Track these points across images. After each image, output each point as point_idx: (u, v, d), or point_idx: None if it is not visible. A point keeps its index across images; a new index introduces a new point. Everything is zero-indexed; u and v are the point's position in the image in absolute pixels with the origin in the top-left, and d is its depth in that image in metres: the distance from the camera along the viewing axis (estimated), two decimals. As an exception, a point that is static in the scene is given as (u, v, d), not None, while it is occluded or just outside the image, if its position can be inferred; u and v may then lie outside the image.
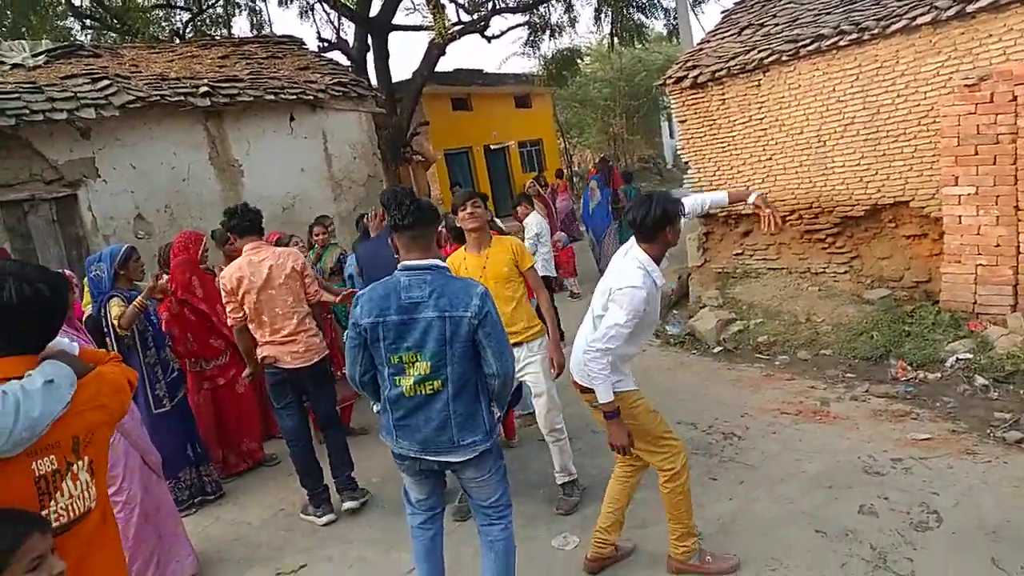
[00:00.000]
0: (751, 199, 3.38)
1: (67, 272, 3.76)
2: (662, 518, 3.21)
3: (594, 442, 4.55)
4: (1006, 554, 3.01)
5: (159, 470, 3.66)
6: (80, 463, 1.68)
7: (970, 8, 6.37)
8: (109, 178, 6.96)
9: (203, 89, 7.64)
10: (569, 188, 14.25)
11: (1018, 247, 5.68)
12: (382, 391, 2.70)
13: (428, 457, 2.67)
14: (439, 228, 3.49)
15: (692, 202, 3.32)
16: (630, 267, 2.95)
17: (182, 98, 7.43)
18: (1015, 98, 5.58)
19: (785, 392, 5.28)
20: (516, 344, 3.64)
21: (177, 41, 13.72)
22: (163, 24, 15.97)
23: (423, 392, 2.58)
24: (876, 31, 7.11)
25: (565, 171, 20.73)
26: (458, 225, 3.90)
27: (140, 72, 8.14)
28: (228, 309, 4.13)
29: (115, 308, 4.14)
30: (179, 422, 4.50)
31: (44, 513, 1.59)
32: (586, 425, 4.59)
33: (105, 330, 4.20)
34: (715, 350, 6.66)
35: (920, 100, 6.95)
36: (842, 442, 4.30)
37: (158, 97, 7.23)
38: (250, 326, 4.12)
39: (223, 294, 4.13)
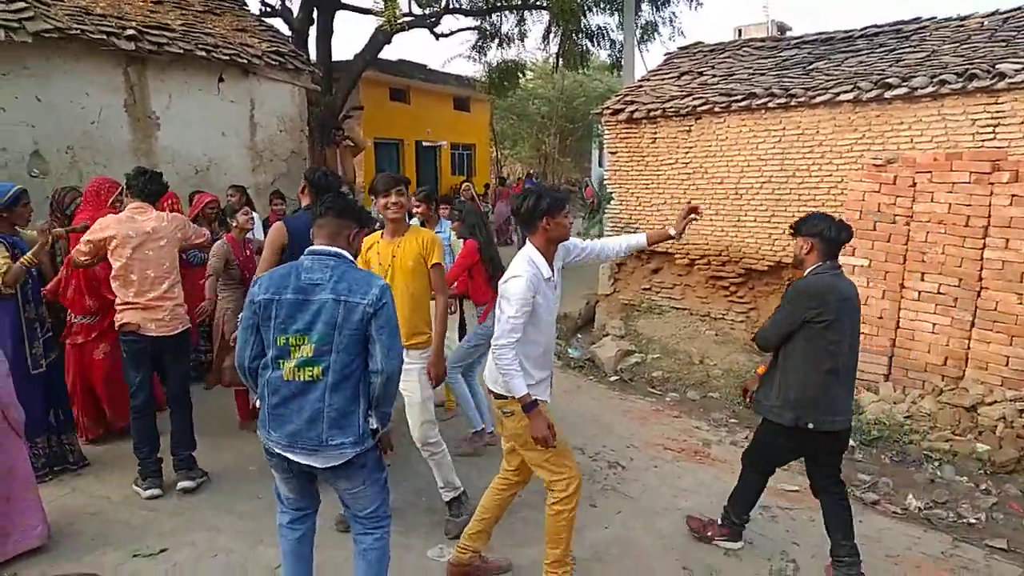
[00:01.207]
0: (672, 232, 3.38)
1: None
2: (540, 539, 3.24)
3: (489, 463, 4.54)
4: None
5: (20, 429, 3.40)
6: None
7: (888, 94, 6.86)
8: (8, 106, 6.44)
9: (129, 31, 7.21)
10: (509, 196, 14.51)
11: (898, 322, 6.11)
12: (262, 377, 2.61)
13: (295, 457, 2.59)
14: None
15: (614, 244, 3.42)
16: (517, 259, 3.03)
17: (105, 37, 6.98)
18: (914, 184, 6.02)
19: (671, 428, 5.47)
20: None
21: (108, -24, 12.91)
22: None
23: (301, 378, 2.52)
24: (803, 99, 7.54)
25: (495, 180, 20.83)
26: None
27: (62, 1, 7.61)
28: (78, 250, 4.01)
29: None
30: (48, 386, 4.21)
31: None
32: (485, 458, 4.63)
33: None
34: (611, 378, 6.82)
35: (832, 171, 7.42)
36: (718, 484, 4.47)
37: (79, 31, 6.76)
38: (114, 283, 4.06)
39: (84, 238, 4.01)
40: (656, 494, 4.31)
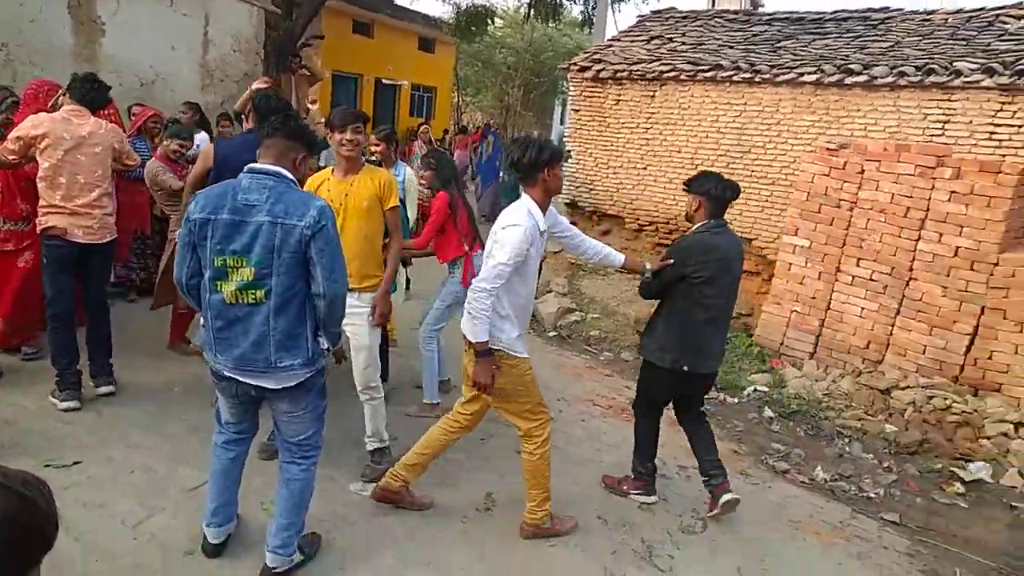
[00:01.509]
0: (648, 267, 3.65)
1: None
2: (464, 481, 3.31)
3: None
4: (749, 565, 3.39)
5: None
6: None
7: (849, 80, 6.97)
8: (-62, -9, 6.04)
9: (78, -76, 6.78)
10: (468, 145, 14.39)
11: (829, 303, 6.32)
12: (203, 297, 2.57)
13: (244, 379, 2.58)
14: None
15: (593, 247, 3.57)
16: (515, 208, 3.05)
17: (50, -73, 6.56)
18: (863, 171, 6.17)
19: (601, 386, 5.60)
20: (350, 291, 3.46)
21: None
22: None
23: (244, 301, 2.49)
24: (767, 76, 7.61)
25: (454, 127, 20.47)
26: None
27: None
28: (9, 146, 3.85)
29: None
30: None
31: None
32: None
33: None
34: (550, 333, 6.91)
35: (787, 150, 7.54)
36: (641, 442, 4.61)
37: (21, -83, 6.34)
38: (40, 184, 3.90)
39: (13, 134, 3.86)
40: (581, 446, 4.43)
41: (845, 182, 6.29)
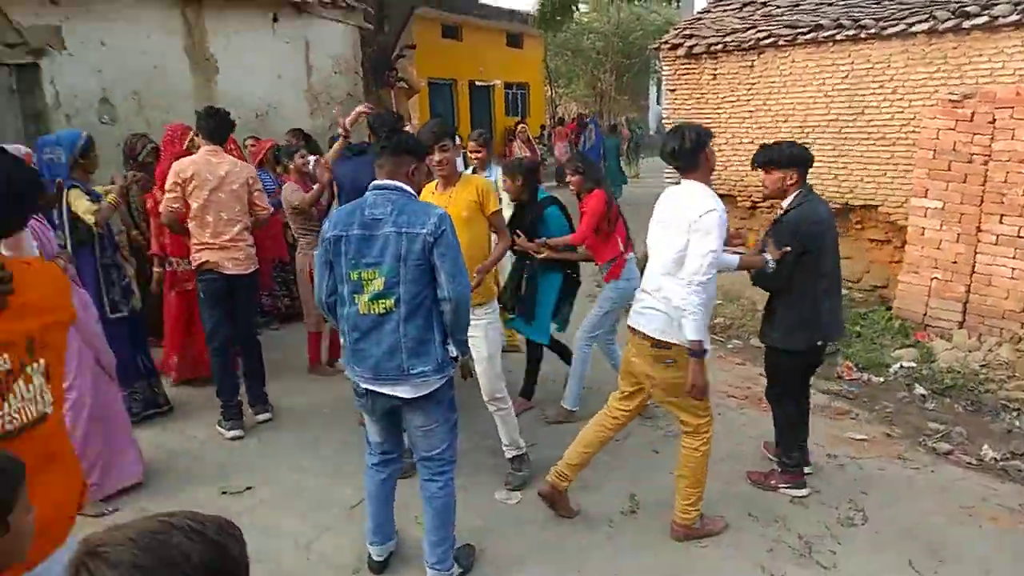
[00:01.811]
0: (768, 262, 3.44)
1: (24, 150, 3.54)
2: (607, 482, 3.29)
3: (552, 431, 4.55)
4: (922, 557, 3.18)
5: (113, 372, 3.58)
6: (35, 365, 1.59)
7: (966, 24, 6.43)
8: (76, 52, 6.56)
9: (187, -27, 7.22)
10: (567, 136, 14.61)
11: (973, 266, 5.86)
12: (340, 312, 2.72)
13: (380, 389, 2.68)
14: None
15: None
16: (696, 193, 2.95)
17: (164, -22, 7.01)
18: (994, 120, 5.69)
19: (734, 376, 5.42)
20: None
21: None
22: None
23: (376, 311, 2.61)
24: (873, 31, 7.12)
25: (550, 121, 20.42)
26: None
27: (121, -56, 7.62)
28: (168, 197, 4.14)
29: (81, 202, 3.92)
30: (131, 331, 4.38)
31: None
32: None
33: (57, 221, 3.99)
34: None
35: (905, 108, 7.05)
36: (783, 431, 4.44)
37: (137, -27, 6.80)
38: (191, 223, 4.19)
39: (170, 182, 4.13)
40: (720, 442, 4.25)
41: (975, 134, 5.81)
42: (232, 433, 4.25)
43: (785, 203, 3.46)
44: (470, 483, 3.56)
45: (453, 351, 2.75)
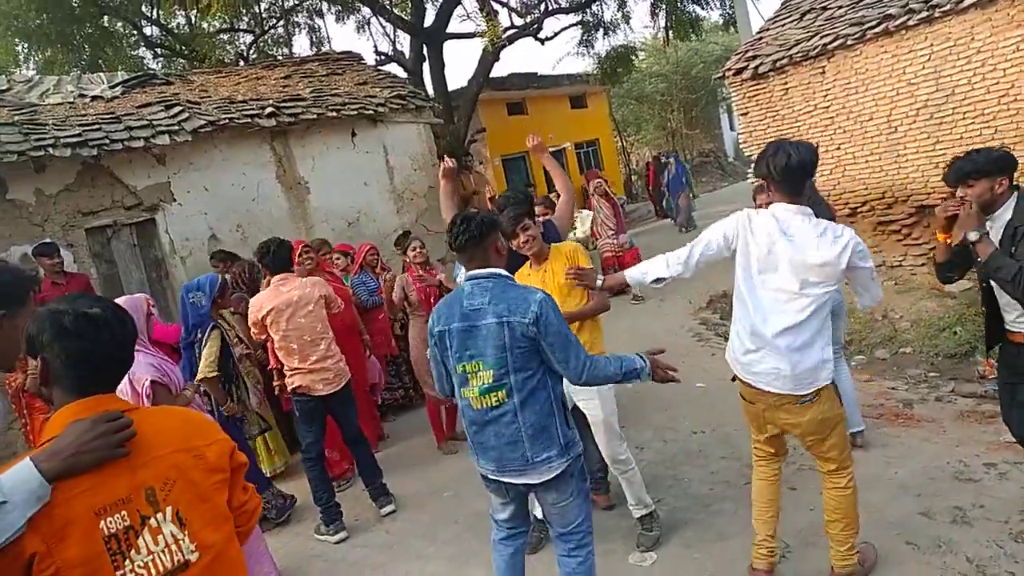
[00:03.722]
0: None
1: (139, 296, 3.90)
2: (739, 531, 3.13)
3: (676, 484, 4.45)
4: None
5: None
6: (161, 515, 1.54)
7: (1051, -22, 6.03)
8: (184, 201, 7.25)
9: (268, 110, 7.88)
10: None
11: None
12: (458, 405, 2.73)
13: (506, 480, 2.67)
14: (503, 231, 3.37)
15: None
16: (822, 226, 2.71)
17: (249, 120, 7.69)
18: (1105, 71, 5.24)
19: (864, 394, 5.07)
20: None
21: (242, 64, 14.21)
22: (228, 47, 16.58)
23: (489, 404, 2.58)
24: (947, 7, 6.81)
25: (625, 169, 20.40)
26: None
27: (209, 96, 8.46)
28: (254, 333, 4.45)
29: (211, 346, 4.34)
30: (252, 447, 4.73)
31: (119, 574, 1.47)
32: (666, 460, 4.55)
33: (198, 353, 4.41)
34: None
35: (999, 78, 6.63)
36: (928, 446, 4.11)
37: (227, 120, 7.50)
38: (280, 354, 4.38)
39: (251, 321, 4.40)
40: (860, 467, 3.96)
41: (1087, 89, 5.37)
42: (338, 536, 4.31)
43: (1000, 213, 2.90)
44: (600, 551, 3.45)
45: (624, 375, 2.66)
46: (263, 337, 4.43)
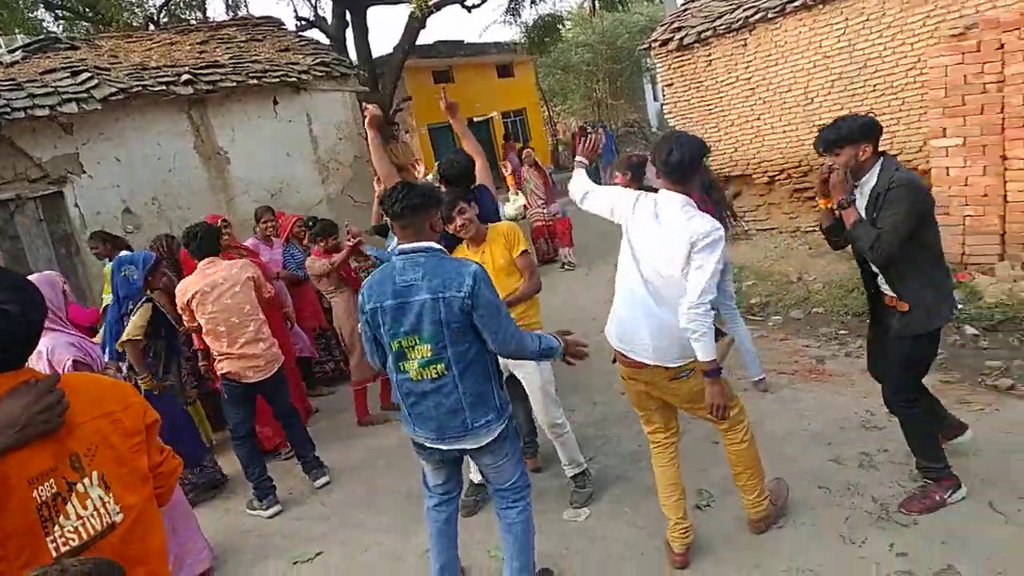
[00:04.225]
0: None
1: (52, 274, 3.75)
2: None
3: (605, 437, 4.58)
4: (1002, 498, 3.11)
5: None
6: (88, 480, 1.57)
7: (954, -44, 6.35)
8: (94, 173, 6.90)
9: (185, 77, 7.54)
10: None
11: (1005, 196, 5.74)
12: (392, 377, 2.74)
13: (445, 446, 2.72)
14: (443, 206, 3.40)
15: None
16: (695, 213, 2.77)
17: (164, 87, 7.34)
18: (1002, 46, 5.59)
19: (780, 352, 5.36)
20: None
21: (152, 28, 13.49)
22: (136, 10, 15.68)
23: (428, 376, 2.61)
24: (860, -17, 7.08)
25: (551, 139, 20.45)
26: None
27: (119, 63, 8.02)
28: (186, 318, 4.33)
29: (140, 316, 4.24)
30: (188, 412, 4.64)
31: (49, 539, 1.50)
32: (596, 421, 4.69)
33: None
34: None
35: (907, 52, 6.97)
36: (838, 399, 4.38)
37: (140, 88, 7.14)
38: (207, 339, 4.29)
39: (179, 307, 4.31)
40: (777, 420, 4.26)
41: (985, 63, 5.72)
42: (271, 511, 4.27)
43: (867, 179, 2.99)
44: (536, 510, 3.53)
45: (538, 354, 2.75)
46: (194, 324, 4.30)
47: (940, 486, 3.18)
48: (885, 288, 3.15)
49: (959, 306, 3.11)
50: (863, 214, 3.02)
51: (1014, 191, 5.66)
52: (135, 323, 4.21)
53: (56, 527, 1.51)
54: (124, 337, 4.20)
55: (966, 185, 5.96)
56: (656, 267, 2.83)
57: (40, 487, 1.50)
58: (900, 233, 2.87)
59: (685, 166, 2.78)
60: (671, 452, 3.18)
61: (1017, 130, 5.58)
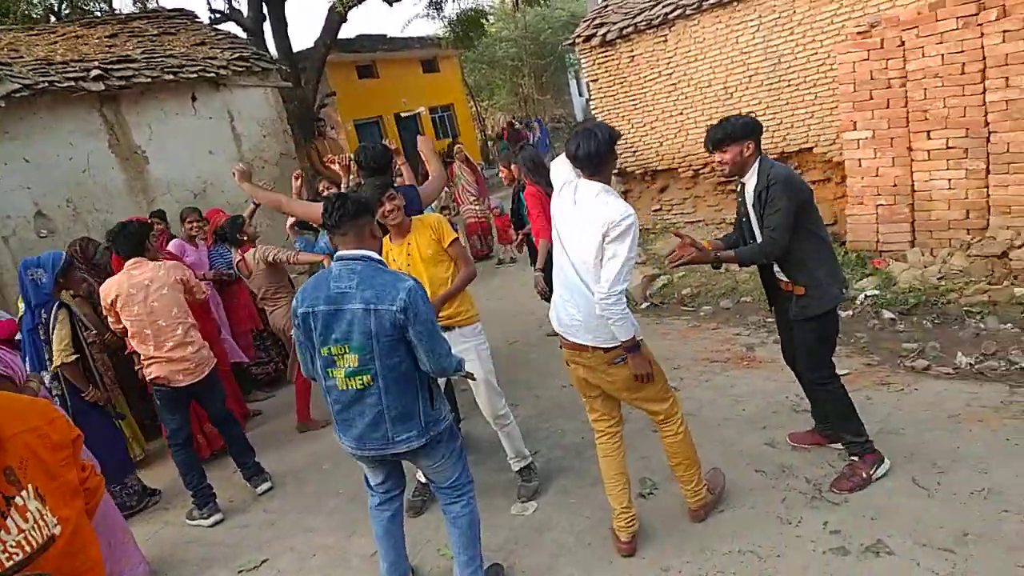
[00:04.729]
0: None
1: None
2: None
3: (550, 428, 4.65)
4: (924, 472, 3.32)
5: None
6: (25, 493, 1.55)
7: (859, -44, 6.66)
8: (1, 174, 6.50)
9: (95, 72, 7.19)
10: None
11: (912, 185, 6.08)
12: (321, 383, 2.71)
13: (366, 453, 2.72)
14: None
15: None
16: (610, 199, 2.83)
17: (73, 83, 6.97)
18: (902, 43, 5.91)
19: (712, 341, 5.55)
20: (448, 328, 3.50)
21: (54, 20, 12.77)
22: (34, 1, 14.78)
23: (354, 386, 2.59)
24: (772, -19, 7.34)
25: (480, 135, 20.46)
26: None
27: (22, 57, 7.57)
28: (111, 320, 4.15)
29: (60, 335, 4.06)
30: (118, 426, 4.46)
31: None
32: (540, 413, 4.78)
33: (44, 337, 4.13)
34: (643, 306, 6.87)
35: (817, 48, 7.27)
36: (769, 384, 4.56)
37: (46, 84, 6.76)
38: (133, 342, 4.12)
39: (104, 308, 4.13)
40: (714, 406, 4.41)
41: (888, 59, 6.04)
42: (212, 519, 4.16)
43: (748, 176, 3.24)
44: (483, 505, 3.56)
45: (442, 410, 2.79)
46: (119, 326, 4.11)
47: (864, 462, 3.35)
48: (780, 275, 3.38)
49: (846, 288, 3.35)
50: (751, 211, 3.27)
51: (920, 180, 6.00)
52: (60, 342, 4.04)
53: None
54: (57, 362, 4.03)
55: (877, 176, 6.28)
56: (576, 251, 2.91)
57: None
58: (785, 226, 3.11)
59: (594, 156, 2.86)
60: (615, 441, 3.24)
61: (920, 123, 5.92)
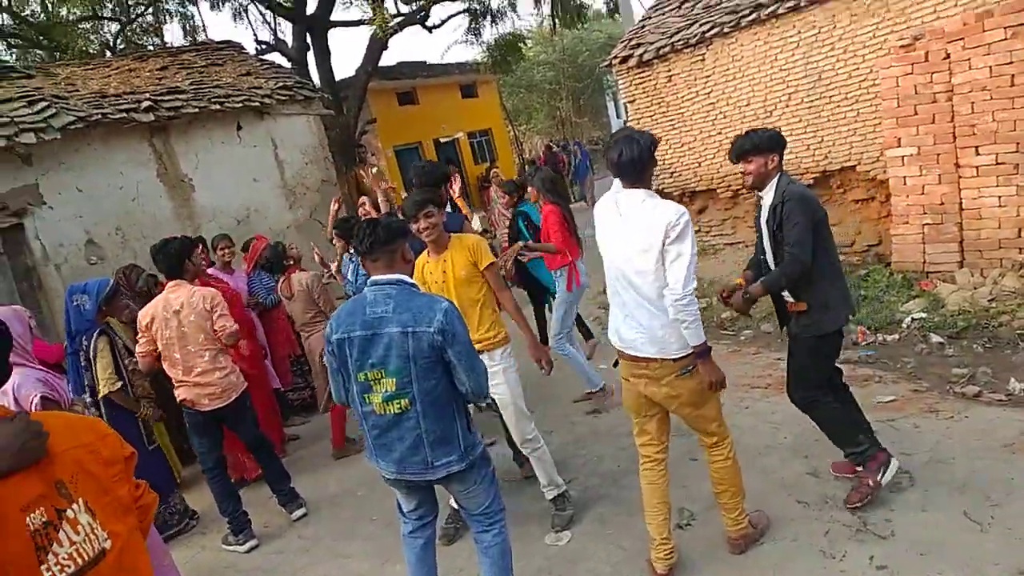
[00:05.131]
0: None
1: (19, 308, 3.66)
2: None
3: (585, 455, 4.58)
4: (976, 505, 3.17)
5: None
6: (76, 506, 1.57)
7: (901, -30, 6.55)
8: (55, 204, 6.76)
9: (145, 104, 7.45)
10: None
11: (960, 203, 5.90)
12: (357, 409, 2.72)
13: (406, 478, 2.71)
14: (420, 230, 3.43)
15: None
16: (659, 202, 2.81)
17: (124, 115, 7.24)
18: (948, 56, 5.77)
19: (753, 366, 5.42)
20: (478, 352, 3.51)
21: (109, 55, 13.31)
22: (91, 37, 15.47)
23: (392, 411, 2.59)
24: (811, -4, 7.26)
25: (519, 159, 20.57)
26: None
27: (77, 91, 7.90)
28: (139, 343, 4.18)
29: (103, 362, 4.17)
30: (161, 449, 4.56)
31: (44, 568, 1.50)
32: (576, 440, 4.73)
33: (85, 363, 4.23)
34: (682, 328, 6.75)
35: (859, 64, 7.15)
36: (813, 410, 4.43)
37: (99, 116, 7.03)
38: (164, 365, 4.17)
39: (139, 331, 4.17)
40: (754, 433, 4.30)
41: (933, 73, 5.90)
42: (248, 545, 4.18)
43: (767, 191, 3.24)
44: (517, 534, 3.54)
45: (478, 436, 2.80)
46: (146, 349, 4.16)
47: (870, 470, 3.30)
48: (788, 296, 3.37)
49: (855, 313, 3.36)
50: (763, 227, 3.29)
51: (969, 198, 5.82)
52: (104, 371, 4.13)
53: (50, 555, 1.51)
54: (104, 391, 4.13)
55: (923, 194, 6.12)
56: (630, 263, 2.87)
57: (31, 515, 1.50)
58: (805, 243, 3.11)
59: (636, 162, 2.82)
60: (661, 468, 3.18)
61: (967, 138, 5.76)
